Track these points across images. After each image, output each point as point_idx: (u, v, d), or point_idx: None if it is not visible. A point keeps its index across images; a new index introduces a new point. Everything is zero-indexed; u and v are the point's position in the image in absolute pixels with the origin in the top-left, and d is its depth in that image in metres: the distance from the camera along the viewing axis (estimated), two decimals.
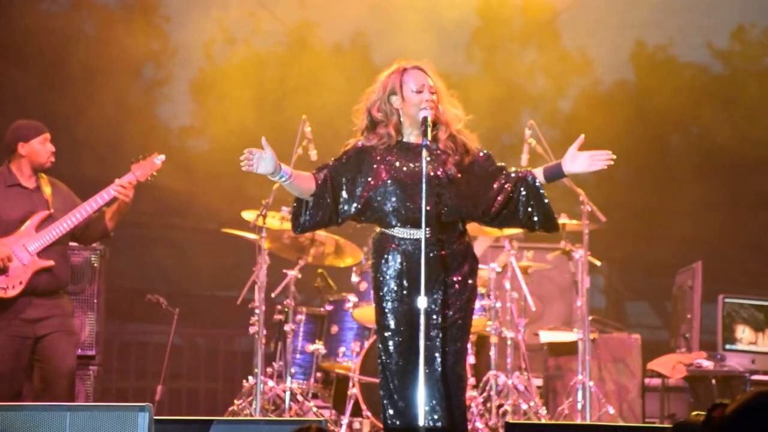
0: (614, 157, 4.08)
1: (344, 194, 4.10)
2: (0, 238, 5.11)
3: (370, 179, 4.09)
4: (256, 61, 9.99)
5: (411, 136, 4.16)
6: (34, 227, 5.17)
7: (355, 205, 4.10)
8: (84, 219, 5.20)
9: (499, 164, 4.14)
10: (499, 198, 4.07)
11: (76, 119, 8.64)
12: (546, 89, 10.36)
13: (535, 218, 4.09)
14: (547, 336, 6.81)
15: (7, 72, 9.02)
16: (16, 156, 5.25)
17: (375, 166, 4.10)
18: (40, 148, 5.24)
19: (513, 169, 4.15)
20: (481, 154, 4.13)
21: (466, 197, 4.06)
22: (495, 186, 4.08)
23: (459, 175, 4.07)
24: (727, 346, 6.51)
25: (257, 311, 6.00)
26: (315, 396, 6.55)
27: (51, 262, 5.13)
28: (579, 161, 4.08)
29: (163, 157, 5.33)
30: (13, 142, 5.25)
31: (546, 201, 4.08)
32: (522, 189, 4.07)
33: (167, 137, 10.47)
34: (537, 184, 4.07)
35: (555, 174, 4.09)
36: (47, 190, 5.27)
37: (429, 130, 4.01)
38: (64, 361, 5.15)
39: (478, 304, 6.04)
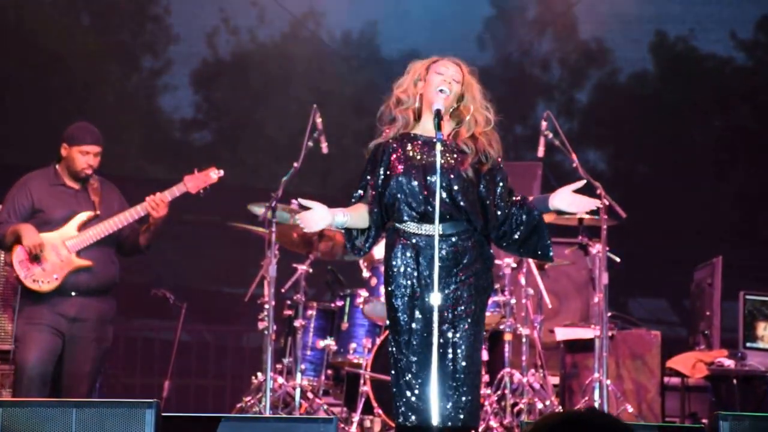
0: (599, 205, 4.34)
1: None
2: (42, 233, 5.23)
3: (386, 172, 4.16)
4: (261, 52, 10.03)
5: (428, 123, 4.22)
6: (78, 227, 5.27)
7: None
8: (125, 226, 5.28)
9: (509, 185, 4.25)
10: (498, 213, 4.18)
11: (74, 110, 8.69)
12: (562, 80, 10.38)
13: (529, 245, 4.23)
14: (563, 333, 6.84)
15: (3, 63, 9.07)
16: (61, 156, 5.35)
17: (390, 159, 4.19)
18: (78, 156, 5.33)
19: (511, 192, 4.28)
20: (499, 167, 4.21)
21: (474, 203, 4.13)
22: (499, 201, 4.19)
23: (474, 179, 4.13)
24: (748, 344, 6.54)
25: (267, 306, 6.03)
26: (326, 393, 6.60)
27: (88, 262, 5.23)
28: (568, 200, 4.21)
29: (221, 172, 5.42)
30: (61, 140, 5.35)
31: (545, 232, 4.22)
32: (522, 213, 4.19)
33: (169, 130, 10.53)
34: (536, 213, 4.20)
35: (541, 206, 4.25)
36: (95, 191, 5.35)
37: (441, 123, 4.09)
38: (83, 367, 5.25)
39: (492, 300, 6.08)
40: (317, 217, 4.16)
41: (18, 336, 5.27)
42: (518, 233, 4.19)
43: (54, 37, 9.36)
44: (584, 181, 4.30)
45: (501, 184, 4.21)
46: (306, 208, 4.21)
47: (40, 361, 5.18)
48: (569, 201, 4.22)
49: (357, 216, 4.22)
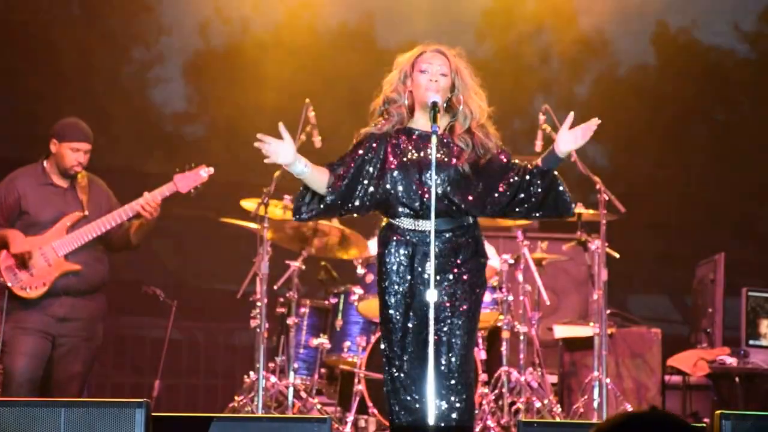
0: (599, 121, 4.21)
1: (360, 188, 4.17)
2: (29, 237, 5.18)
3: (379, 168, 4.15)
4: (255, 43, 10.00)
5: (422, 119, 4.22)
6: (65, 229, 5.25)
7: (365, 198, 4.17)
8: (115, 227, 5.26)
9: (514, 161, 4.21)
10: (504, 189, 4.15)
11: (63, 103, 8.67)
12: (561, 73, 10.37)
13: (548, 205, 4.18)
14: (561, 331, 6.84)
15: None
16: (50, 152, 5.32)
17: (385, 153, 4.18)
18: (68, 153, 5.29)
19: (525, 163, 4.24)
20: (500, 152, 4.19)
21: (474, 198, 4.12)
22: (504, 179, 4.16)
23: (471, 174, 4.12)
24: (751, 342, 6.54)
25: (259, 304, 6.03)
26: (319, 392, 6.60)
27: (77, 266, 5.21)
28: (570, 138, 4.15)
29: (211, 170, 5.37)
30: (50, 136, 5.32)
31: (561, 187, 4.15)
32: (535, 177, 4.14)
33: (161, 123, 10.51)
34: (549, 172, 4.16)
35: (551, 160, 4.17)
36: (83, 190, 5.32)
37: (437, 115, 4.07)
38: (74, 367, 5.24)
39: (489, 297, 6.09)
40: (282, 150, 4.06)
41: (6, 340, 5.23)
42: (535, 196, 4.14)
43: (43, 27, 9.34)
44: (572, 114, 4.22)
45: (506, 167, 4.17)
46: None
47: (28, 366, 5.16)
48: (572, 138, 4.15)
49: (318, 175, 4.14)
